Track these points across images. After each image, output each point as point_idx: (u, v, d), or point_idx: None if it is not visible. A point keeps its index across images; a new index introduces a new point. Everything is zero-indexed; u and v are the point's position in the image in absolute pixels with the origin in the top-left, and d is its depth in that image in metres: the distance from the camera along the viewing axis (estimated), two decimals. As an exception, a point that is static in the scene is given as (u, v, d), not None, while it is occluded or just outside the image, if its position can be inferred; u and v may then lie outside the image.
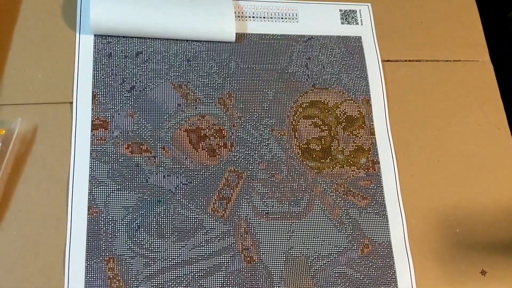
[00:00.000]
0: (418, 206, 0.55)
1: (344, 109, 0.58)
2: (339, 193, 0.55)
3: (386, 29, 0.63)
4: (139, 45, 0.56)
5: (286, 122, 0.57)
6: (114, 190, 0.51)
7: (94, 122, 0.53)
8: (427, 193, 0.56)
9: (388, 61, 0.61)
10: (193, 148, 0.54)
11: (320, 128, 0.57)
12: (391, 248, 0.53)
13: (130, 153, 0.52)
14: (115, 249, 0.49)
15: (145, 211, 0.51)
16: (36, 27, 0.55)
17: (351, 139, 0.57)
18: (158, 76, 0.56)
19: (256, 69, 0.58)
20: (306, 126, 0.57)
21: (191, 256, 0.50)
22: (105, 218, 0.50)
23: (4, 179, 0.49)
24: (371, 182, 0.56)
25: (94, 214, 0.50)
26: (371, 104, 0.59)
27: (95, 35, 0.56)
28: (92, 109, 0.53)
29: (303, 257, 0.52)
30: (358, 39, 0.62)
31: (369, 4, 0.64)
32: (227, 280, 0.50)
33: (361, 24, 0.62)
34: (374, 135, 0.58)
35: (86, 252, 0.48)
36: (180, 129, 0.54)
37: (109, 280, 0.48)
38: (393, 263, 0.53)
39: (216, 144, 0.54)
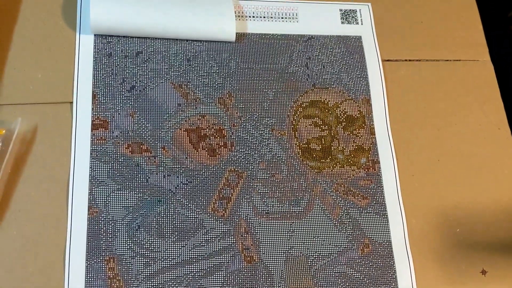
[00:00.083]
0: (418, 206, 0.55)
1: (344, 108, 0.58)
2: (339, 192, 0.55)
3: (386, 28, 0.63)
4: (139, 45, 0.56)
5: (286, 121, 0.57)
6: (114, 190, 0.51)
7: (94, 122, 0.53)
8: (427, 193, 0.56)
9: (388, 60, 0.61)
10: (193, 147, 0.54)
11: (320, 128, 0.57)
12: (391, 248, 0.53)
13: (130, 153, 0.52)
14: (115, 249, 0.49)
15: (145, 211, 0.51)
16: (36, 27, 0.55)
17: (351, 139, 0.57)
18: (158, 75, 0.56)
19: (256, 68, 0.58)
20: (306, 126, 0.57)
21: (191, 255, 0.50)
22: (105, 218, 0.50)
23: (4, 179, 0.49)
24: (371, 182, 0.56)
25: (94, 214, 0.49)
26: (371, 104, 0.59)
27: (95, 35, 0.56)
28: (92, 109, 0.53)
29: (303, 256, 0.52)
30: (358, 39, 0.62)
31: (369, 4, 0.64)
32: (227, 280, 0.50)
33: (361, 24, 0.62)
34: (374, 134, 0.58)
35: (86, 252, 0.48)
36: (180, 129, 0.54)
37: (109, 280, 0.48)
38: (393, 262, 0.53)
39: (216, 144, 0.54)
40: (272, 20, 0.61)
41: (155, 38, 0.57)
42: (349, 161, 0.56)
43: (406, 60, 0.62)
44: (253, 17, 0.60)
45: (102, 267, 0.48)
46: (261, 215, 0.52)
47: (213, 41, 0.58)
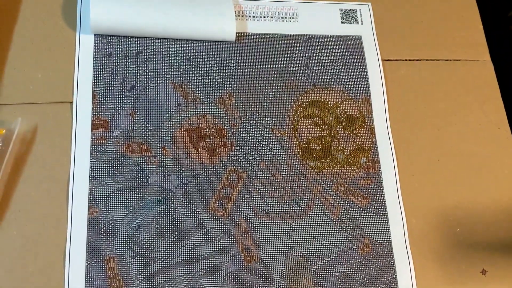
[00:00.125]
0: (418, 206, 0.55)
1: (344, 108, 0.58)
2: (339, 192, 0.55)
3: (386, 28, 0.63)
4: (139, 45, 0.56)
5: (287, 121, 0.57)
6: (114, 189, 0.51)
7: (94, 122, 0.53)
8: (427, 193, 0.56)
9: (388, 60, 0.61)
10: (193, 147, 0.54)
11: (320, 128, 0.57)
12: (391, 248, 0.53)
13: (130, 153, 0.52)
14: (115, 248, 0.49)
15: (146, 211, 0.51)
16: (36, 27, 0.55)
17: (351, 139, 0.57)
18: (158, 75, 0.56)
19: (256, 68, 0.58)
20: (306, 126, 0.57)
21: (191, 255, 0.50)
22: (105, 218, 0.50)
23: (4, 179, 0.49)
24: (371, 182, 0.56)
25: (94, 213, 0.49)
26: (371, 104, 0.59)
27: (95, 35, 0.56)
28: (92, 108, 0.53)
29: (303, 256, 0.52)
30: (358, 39, 0.62)
31: (369, 4, 0.64)
32: (228, 280, 0.50)
33: (361, 24, 0.62)
34: (374, 134, 0.58)
35: (86, 251, 0.48)
36: (180, 129, 0.54)
37: (109, 280, 0.48)
38: (393, 262, 0.53)
39: (216, 144, 0.54)
40: (272, 20, 0.61)
41: (155, 38, 0.57)
42: (349, 160, 0.56)
43: (406, 60, 0.62)
44: (253, 17, 0.60)
45: (102, 267, 0.48)
46: (261, 214, 0.52)
47: (213, 41, 0.58)
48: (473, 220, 0.56)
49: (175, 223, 0.51)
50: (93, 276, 0.48)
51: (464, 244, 0.55)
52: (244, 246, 0.51)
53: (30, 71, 0.53)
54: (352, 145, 0.57)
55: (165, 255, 0.49)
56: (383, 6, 0.64)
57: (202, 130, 0.54)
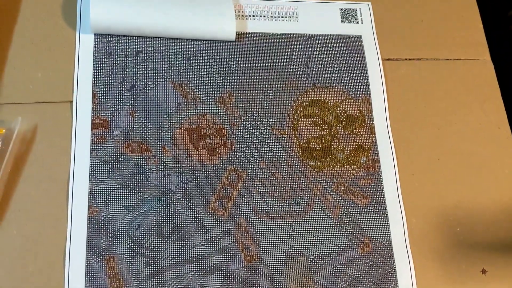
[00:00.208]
0: (419, 205, 0.55)
1: (345, 108, 0.58)
2: (340, 192, 0.55)
3: (386, 27, 0.63)
4: (139, 44, 0.56)
5: (287, 121, 0.57)
6: (114, 189, 0.51)
7: (94, 121, 0.53)
8: (428, 192, 0.56)
9: (388, 59, 0.61)
10: (193, 147, 0.54)
11: (321, 127, 0.57)
12: (391, 247, 0.53)
13: (130, 152, 0.52)
14: (115, 248, 0.49)
15: (145, 210, 0.51)
16: (36, 26, 0.55)
17: (351, 138, 0.57)
18: (158, 75, 0.56)
19: (256, 68, 0.58)
20: (306, 125, 0.57)
21: (191, 255, 0.50)
22: (105, 217, 0.50)
23: (4, 179, 0.49)
24: (371, 181, 0.56)
25: (94, 213, 0.49)
26: (371, 103, 0.59)
27: (95, 34, 0.56)
28: (92, 108, 0.53)
29: (303, 255, 0.52)
30: (359, 38, 0.62)
31: (369, 3, 0.63)
32: (228, 279, 0.50)
33: (362, 23, 0.62)
34: (375, 134, 0.58)
35: (86, 251, 0.48)
36: (180, 128, 0.54)
37: (109, 279, 0.48)
38: (394, 262, 0.53)
39: (216, 143, 0.54)
40: (272, 19, 0.61)
41: (155, 37, 0.57)
42: (349, 160, 0.56)
43: (406, 59, 0.62)
44: (253, 16, 0.60)
45: (102, 266, 0.48)
46: (261, 214, 0.52)
47: (213, 40, 0.58)
48: (473, 219, 0.56)
49: (175, 223, 0.51)
50: (93, 275, 0.48)
51: (464, 244, 0.55)
52: (244, 246, 0.51)
53: (30, 71, 0.53)
54: (352, 145, 0.57)
55: (165, 255, 0.49)
56: (383, 6, 0.64)
57: (202, 130, 0.54)
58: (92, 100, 0.53)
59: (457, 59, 0.63)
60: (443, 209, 0.56)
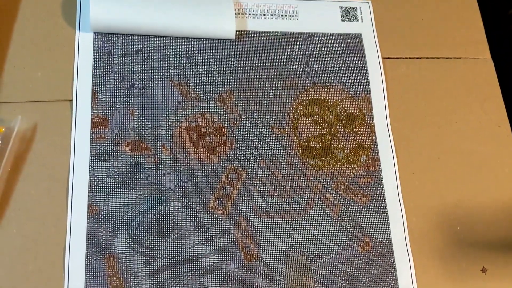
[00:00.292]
0: (419, 204, 0.55)
1: (345, 106, 0.58)
2: (340, 190, 0.55)
3: (386, 26, 0.63)
4: (139, 43, 0.56)
5: (286, 119, 0.57)
6: (114, 188, 0.51)
7: (94, 120, 0.53)
8: (428, 191, 0.56)
9: (388, 58, 0.61)
10: (193, 146, 0.54)
11: (320, 126, 0.57)
12: (391, 246, 0.53)
13: (130, 151, 0.52)
14: (115, 247, 0.49)
15: (145, 209, 0.51)
16: (36, 25, 0.55)
17: (352, 137, 0.57)
18: (157, 73, 0.56)
19: (256, 66, 0.58)
20: (306, 124, 0.57)
21: (191, 254, 0.50)
22: (105, 216, 0.50)
23: (4, 177, 0.49)
24: (371, 180, 0.56)
25: (94, 212, 0.49)
26: (371, 102, 0.59)
27: (94, 33, 0.56)
28: (92, 107, 0.53)
29: (303, 254, 0.52)
30: (359, 37, 0.62)
31: (369, 1, 0.63)
32: (227, 278, 0.50)
33: (362, 22, 0.62)
34: (375, 132, 0.58)
35: (86, 250, 0.48)
36: (180, 127, 0.54)
37: (109, 278, 0.48)
38: (394, 260, 0.53)
39: (216, 142, 0.54)
40: (272, 18, 0.61)
41: (155, 36, 0.57)
42: (349, 159, 0.56)
43: (406, 58, 0.62)
44: (253, 14, 0.60)
45: (102, 265, 0.48)
46: (261, 213, 0.52)
47: (213, 39, 0.58)
48: (473, 218, 0.56)
49: (175, 222, 0.51)
50: (93, 274, 0.48)
51: (464, 242, 0.54)
52: (244, 245, 0.51)
53: (30, 70, 0.53)
54: (352, 143, 0.57)
55: (165, 254, 0.49)
56: (383, 4, 0.64)
57: (201, 129, 0.54)
58: (92, 98, 0.53)
59: (458, 58, 0.63)
60: (443, 207, 0.56)
